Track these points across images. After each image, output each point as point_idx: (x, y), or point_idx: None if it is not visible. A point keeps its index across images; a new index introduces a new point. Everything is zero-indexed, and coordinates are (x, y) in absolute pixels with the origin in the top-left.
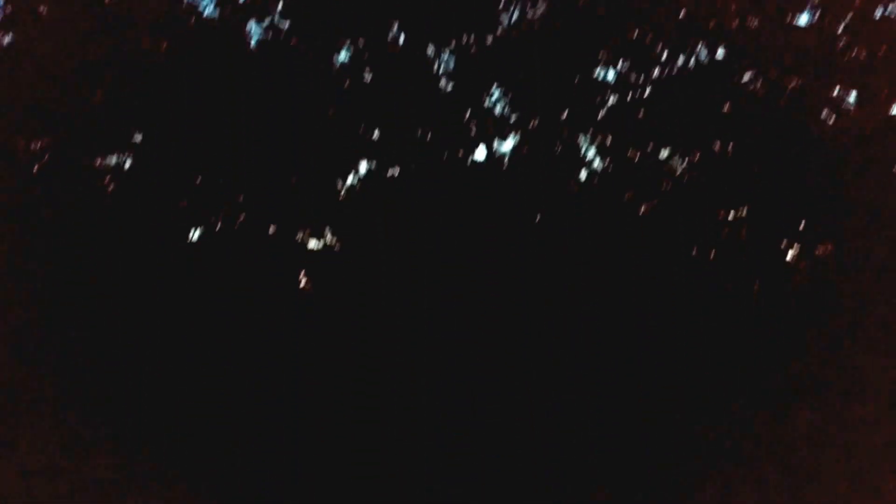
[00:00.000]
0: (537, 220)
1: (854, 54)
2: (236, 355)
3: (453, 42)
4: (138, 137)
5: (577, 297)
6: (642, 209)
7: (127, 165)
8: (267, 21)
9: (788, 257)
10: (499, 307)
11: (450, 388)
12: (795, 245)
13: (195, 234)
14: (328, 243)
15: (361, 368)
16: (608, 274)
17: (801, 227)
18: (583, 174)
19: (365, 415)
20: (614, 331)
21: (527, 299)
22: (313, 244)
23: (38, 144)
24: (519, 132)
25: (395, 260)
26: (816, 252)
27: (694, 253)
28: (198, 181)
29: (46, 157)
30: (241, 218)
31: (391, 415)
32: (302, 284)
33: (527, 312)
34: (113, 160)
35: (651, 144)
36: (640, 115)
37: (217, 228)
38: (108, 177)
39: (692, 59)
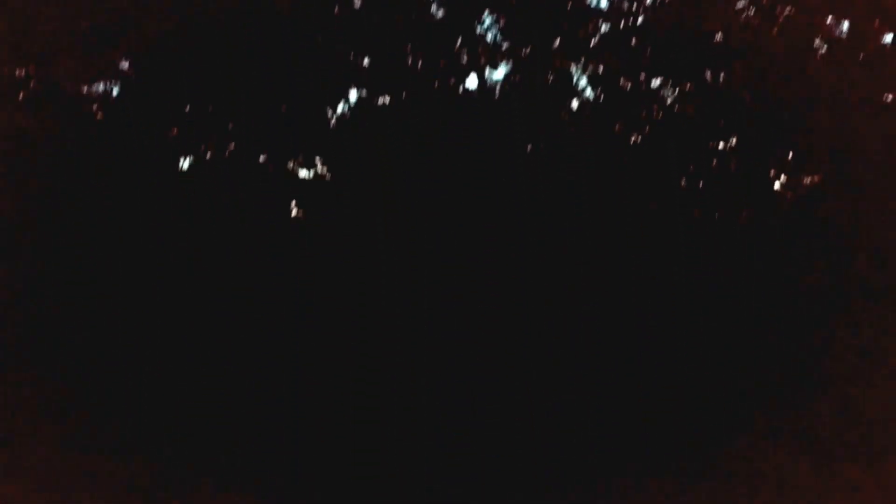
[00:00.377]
0: (528, 149)
1: None
2: (226, 285)
3: None
4: (125, 65)
5: (568, 230)
6: (633, 139)
7: (115, 93)
8: None
9: (776, 187)
10: (489, 236)
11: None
12: (783, 175)
13: (185, 164)
14: (319, 173)
15: (355, 301)
16: (599, 203)
17: (788, 158)
18: (574, 103)
19: (357, 352)
20: (603, 260)
21: (517, 227)
22: (304, 173)
23: (23, 71)
24: (510, 60)
25: (386, 189)
26: (804, 182)
27: (683, 183)
28: (187, 109)
29: (32, 84)
30: (232, 147)
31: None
32: (293, 214)
33: (518, 240)
34: (100, 88)
35: (643, 74)
36: (633, 43)
37: (207, 157)
38: (94, 105)
39: None
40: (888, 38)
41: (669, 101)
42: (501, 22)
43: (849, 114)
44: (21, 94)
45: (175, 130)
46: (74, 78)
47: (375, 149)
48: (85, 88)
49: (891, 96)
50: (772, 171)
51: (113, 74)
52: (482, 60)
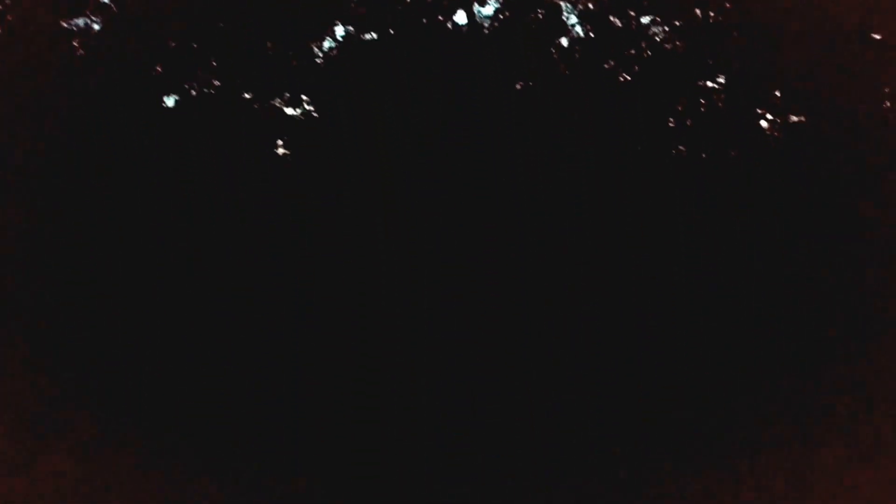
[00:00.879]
0: (517, 86)
1: None
2: (215, 224)
3: None
4: None
5: (558, 169)
6: (622, 77)
7: (96, 28)
8: None
9: (764, 125)
10: (478, 176)
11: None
12: (769, 114)
13: (169, 101)
14: (305, 110)
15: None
16: (589, 140)
17: (776, 97)
18: (564, 41)
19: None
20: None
21: (507, 166)
22: (290, 111)
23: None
24: None
25: (372, 126)
26: (790, 120)
27: (672, 122)
28: (172, 45)
29: (9, 18)
30: (217, 83)
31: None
32: (280, 152)
33: (506, 179)
34: (81, 22)
35: (632, 12)
36: None
37: (192, 94)
38: (76, 39)
39: None
40: None
41: (659, 38)
42: None
43: (840, 48)
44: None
45: (159, 67)
46: (53, 10)
47: (363, 86)
48: (64, 22)
49: (883, 31)
50: (759, 110)
51: (94, 7)
52: None
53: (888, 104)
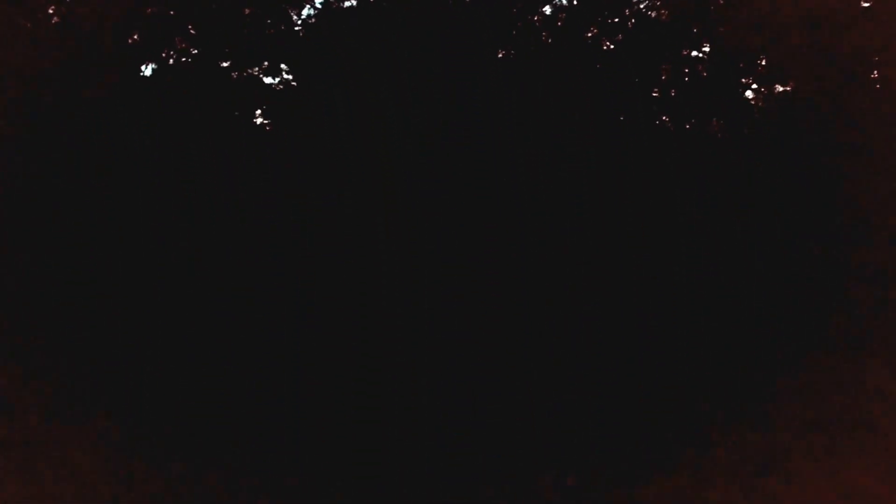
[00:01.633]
0: (499, 54)
1: None
2: (193, 196)
3: None
4: None
5: (538, 135)
6: (605, 45)
7: None
8: None
9: (749, 95)
10: (457, 135)
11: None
12: (754, 84)
13: (147, 69)
14: (284, 79)
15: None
16: (570, 109)
17: (759, 67)
18: (547, 9)
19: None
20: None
21: (484, 129)
22: (269, 80)
23: None
24: None
25: (352, 95)
26: (775, 91)
27: (655, 92)
28: (148, 12)
29: None
30: (194, 52)
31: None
32: (259, 122)
33: (485, 137)
34: None
35: None
36: None
37: (169, 63)
38: (51, 6)
39: None
40: None
41: (643, 6)
42: None
43: (823, 20)
44: None
45: (136, 34)
46: None
47: (342, 54)
48: None
49: (866, 4)
50: (744, 79)
51: None
52: None
53: (876, 73)
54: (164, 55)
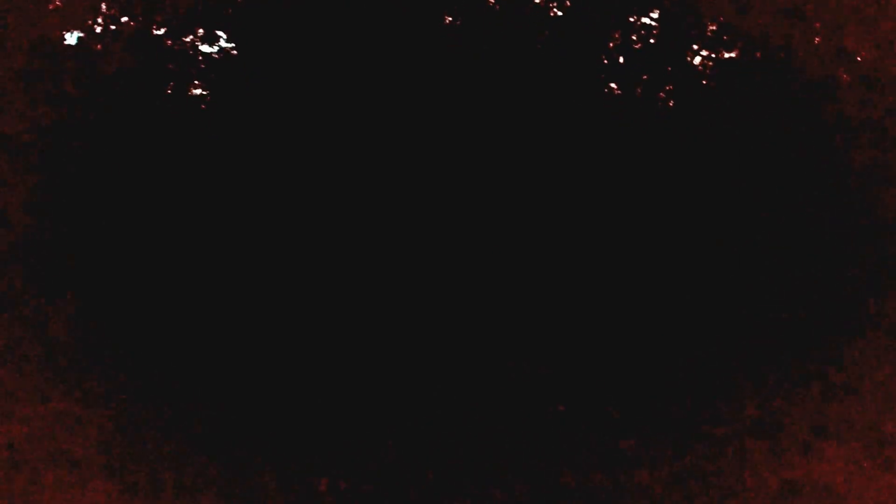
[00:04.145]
0: (446, 20)
1: None
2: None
3: None
4: None
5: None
6: (553, 12)
7: None
8: None
9: (696, 61)
10: (411, 104)
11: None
12: (703, 50)
13: (71, 39)
14: (223, 48)
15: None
16: (517, 77)
17: (708, 31)
18: None
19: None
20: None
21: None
22: (207, 48)
23: None
24: None
25: (299, 64)
26: (723, 56)
27: (605, 60)
28: None
29: None
30: (126, 21)
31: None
32: (196, 93)
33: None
34: None
35: None
36: None
37: (97, 31)
38: None
39: None
40: None
41: None
42: None
43: None
44: None
45: (58, 2)
46: None
47: (287, 21)
48: None
49: None
50: (693, 45)
51: None
52: None
53: (818, 39)
54: (90, 23)
